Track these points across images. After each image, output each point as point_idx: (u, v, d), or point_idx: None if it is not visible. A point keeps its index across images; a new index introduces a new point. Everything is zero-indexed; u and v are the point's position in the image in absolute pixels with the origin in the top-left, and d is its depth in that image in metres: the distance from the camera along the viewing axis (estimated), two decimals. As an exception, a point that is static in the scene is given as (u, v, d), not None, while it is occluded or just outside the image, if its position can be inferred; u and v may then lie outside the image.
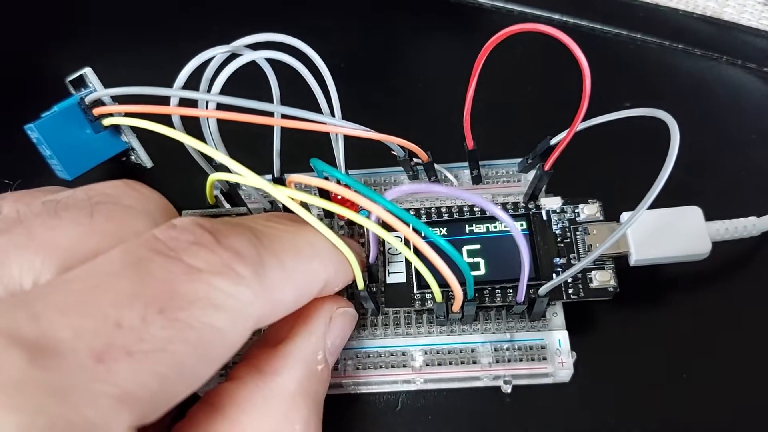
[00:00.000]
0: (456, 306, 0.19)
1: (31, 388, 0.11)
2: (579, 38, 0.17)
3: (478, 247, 0.21)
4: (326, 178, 0.19)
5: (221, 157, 0.17)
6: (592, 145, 0.23)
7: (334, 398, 0.21)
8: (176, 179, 0.23)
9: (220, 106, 0.18)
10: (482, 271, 0.21)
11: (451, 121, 0.21)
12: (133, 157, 0.23)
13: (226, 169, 0.17)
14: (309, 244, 0.17)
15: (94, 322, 0.12)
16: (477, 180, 0.23)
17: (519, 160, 0.23)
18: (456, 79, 0.21)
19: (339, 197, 0.21)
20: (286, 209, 0.22)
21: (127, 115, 0.20)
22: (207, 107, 0.18)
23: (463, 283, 0.18)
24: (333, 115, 0.19)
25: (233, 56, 0.18)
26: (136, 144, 0.22)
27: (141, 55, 0.30)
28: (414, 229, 0.17)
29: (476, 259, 0.21)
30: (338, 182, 0.19)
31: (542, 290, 0.19)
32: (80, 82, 0.22)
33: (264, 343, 0.18)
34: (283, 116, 0.18)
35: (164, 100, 0.18)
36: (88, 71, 0.21)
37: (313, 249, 0.17)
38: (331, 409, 0.21)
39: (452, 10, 0.30)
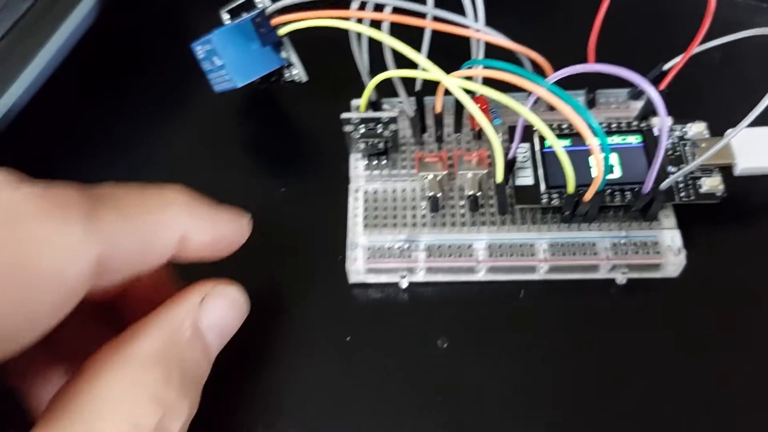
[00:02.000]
0: (589, 194, 0.21)
1: None
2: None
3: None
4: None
5: (404, 47, 0.20)
6: (705, 67, 0.26)
7: (465, 285, 0.24)
8: (328, 96, 0.26)
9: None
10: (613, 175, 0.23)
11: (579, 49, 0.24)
12: (286, 75, 0.26)
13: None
14: (157, 194, 0.18)
15: None
16: (592, 104, 0.26)
17: (630, 89, 0.26)
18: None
19: (483, 107, 0.24)
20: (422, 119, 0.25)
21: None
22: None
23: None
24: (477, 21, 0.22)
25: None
26: (294, 58, 0.25)
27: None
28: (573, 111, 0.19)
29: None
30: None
31: (663, 185, 0.22)
32: (242, 9, 0.25)
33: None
34: (435, 18, 0.21)
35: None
36: (254, -8, 0.24)
37: (161, 199, 0.18)
38: (463, 297, 0.24)
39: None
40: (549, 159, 0.24)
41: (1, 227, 0.14)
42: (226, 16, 0.26)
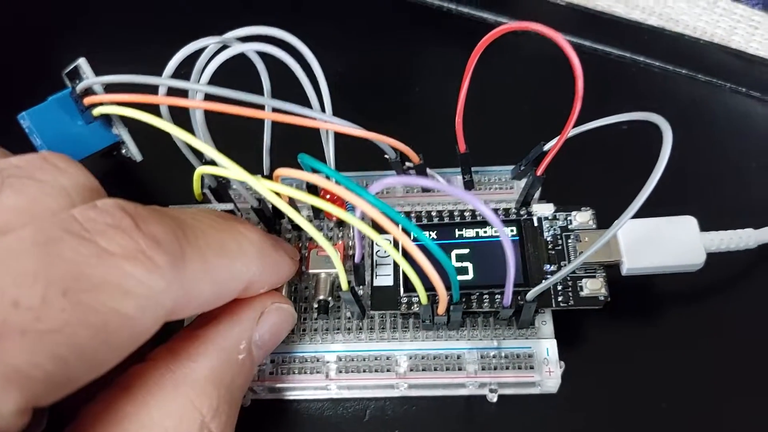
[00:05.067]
0: (441, 309, 0.18)
1: None
2: (580, 57, 0.16)
3: (467, 251, 0.21)
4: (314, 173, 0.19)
5: (205, 147, 0.17)
6: (587, 153, 0.23)
7: (316, 402, 0.21)
8: (166, 174, 0.23)
9: (209, 99, 0.18)
10: (470, 276, 0.20)
11: (445, 131, 0.21)
12: (123, 151, 0.23)
13: (215, 164, 0.17)
14: (235, 241, 0.17)
15: None
16: (469, 185, 0.23)
17: (512, 167, 0.23)
18: (453, 88, 0.20)
19: (329, 197, 0.21)
20: (274, 208, 0.22)
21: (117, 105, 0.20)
22: (196, 98, 0.18)
23: (449, 287, 0.18)
24: (324, 111, 0.19)
25: (225, 48, 0.18)
26: (126, 136, 0.22)
27: (139, 48, 0.30)
28: (402, 228, 0.17)
29: (465, 264, 0.20)
30: (327, 178, 0.18)
31: (530, 295, 0.19)
32: (75, 74, 0.22)
33: (189, 328, 0.18)
34: (274, 110, 0.18)
35: (154, 90, 0.18)
36: (82, 62, 0.21)
37: (238, 247, 0.17)
38: (314, 413, 0.21)
39: (452, 22, 0.30)
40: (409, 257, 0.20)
41: (82, 273, 0.13)
42: (66, 79, 0.23)
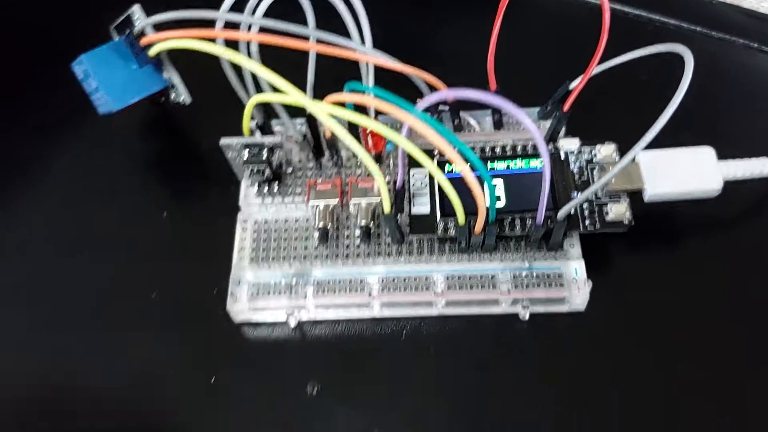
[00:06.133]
0: (478, 227, 0.20)
1: None
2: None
3: (500, 182, 0.22)
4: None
5: (264, 71, 0.18)
6: (610, 92, 0.25)
7: (358, 323, 0.22)
8: (214, 115, 0.24)
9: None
10: (503, 203, 0.22)
11: (476, 77, 0.22)
12: (172, 95, 0.24)
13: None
14: None
15: None
16: (498, 125, 0.25)
17: (538, 108, 0.24)
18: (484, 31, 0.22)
19: (369, 132, 0.22)
20: (316, 144, 0.23)
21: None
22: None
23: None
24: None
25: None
26: (176, 79, 0.24)
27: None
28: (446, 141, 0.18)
29: (497, 194, 0.22)
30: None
31: (560, 213, 0.20)
32: (127, 22, 0.23)
33: None
34: (318, 41, 0.19)
35: (209, 26, 0.20)
36: (136, 8, 0.23)
37: None
38: (355, 333, 0.22)
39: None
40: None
41: None
42: (114, 33, 0.24)
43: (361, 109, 0.19)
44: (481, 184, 0.18)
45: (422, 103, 0.17)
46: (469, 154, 0.17)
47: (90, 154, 0.27)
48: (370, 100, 0.18)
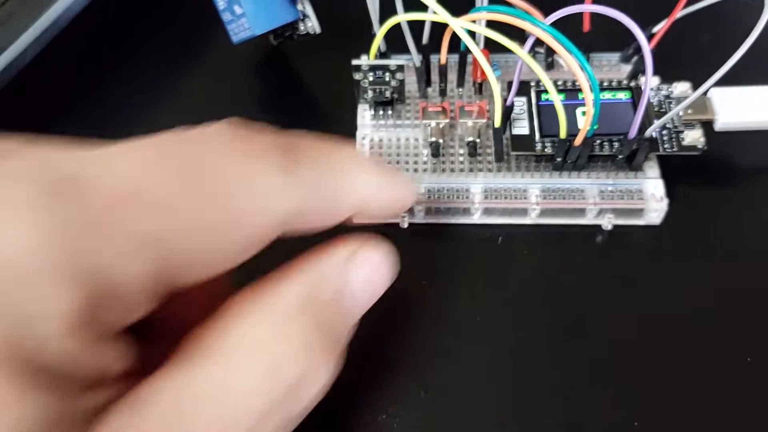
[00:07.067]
0: (580, 136, 0.23)
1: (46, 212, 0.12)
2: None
3: (589, 110, 0.26)
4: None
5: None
6: (689, 38, 0.28)
7: (461, 227, 0.26)
8: (337, 50, 0.28)
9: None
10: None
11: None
12: (301, 27, 0.28)
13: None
14: (349, 157, 0.18)
15: None
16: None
17: (620, 53, 0.28)
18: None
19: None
20: (427, 69, 0.26)
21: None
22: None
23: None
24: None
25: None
26: (309, 10, 0.27)
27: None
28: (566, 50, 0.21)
29: (588, 118, 0.25)
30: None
31: (647, 132, 0.24)
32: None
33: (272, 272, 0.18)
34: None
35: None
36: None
37: (353, 160, 0.18)
38: (457, 236, 0.25)
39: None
40: (544, 111, 0.25)
41: (207, 164, 0.14)
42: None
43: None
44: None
45: (550, 18, 0.20)
46: (589, 72, 0.21)
47: (218, 85, 0.30)
48: (503, 17, 0.21)
